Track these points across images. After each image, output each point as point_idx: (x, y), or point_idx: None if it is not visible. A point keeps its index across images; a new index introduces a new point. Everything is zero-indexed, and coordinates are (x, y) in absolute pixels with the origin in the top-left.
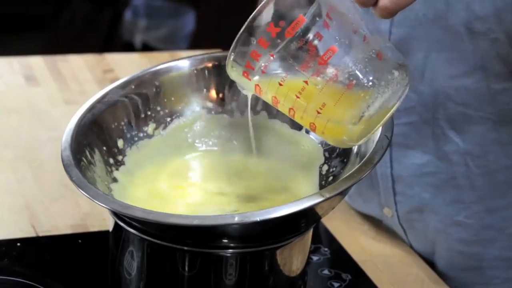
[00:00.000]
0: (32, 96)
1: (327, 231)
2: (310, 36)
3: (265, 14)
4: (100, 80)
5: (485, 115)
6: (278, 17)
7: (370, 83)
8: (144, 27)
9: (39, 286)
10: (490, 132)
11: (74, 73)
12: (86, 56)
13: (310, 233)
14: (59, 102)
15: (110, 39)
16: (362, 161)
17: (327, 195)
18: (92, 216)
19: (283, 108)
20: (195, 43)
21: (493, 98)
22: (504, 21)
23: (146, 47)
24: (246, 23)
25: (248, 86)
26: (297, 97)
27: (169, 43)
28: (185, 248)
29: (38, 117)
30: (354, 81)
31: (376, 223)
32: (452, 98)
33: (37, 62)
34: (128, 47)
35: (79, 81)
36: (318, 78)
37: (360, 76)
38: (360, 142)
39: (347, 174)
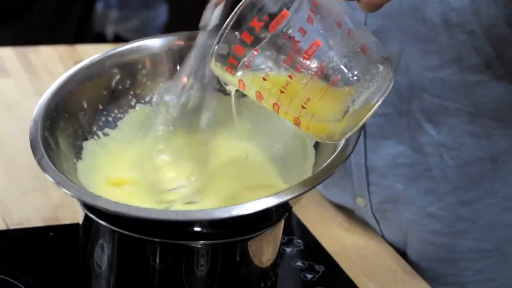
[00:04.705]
0: (3, 88)
1: (300, 223)
2: (294, 30)
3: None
4: None
5: (460, 107)
6: (262, 11)
7: (355, 78)
8: (116, 18)
9: (10, 279)
10: (465, 124)
11: (46, 65)
12: (58, 47)
13: (281, 224)
14: (30, 93)
15: (82, 30)
16: (334, 154)
17: (298, 192)
18: (64, 209)
19: (267, 103)
20: None
21: (468, 90)
22: (480, 13)
23: (118, 39)
24: (229, 18)
25: (231, 81)
26: (282, 92)
27: (141, 35)
28: (156, 240)
29: (9, 109)
30: (339, 76)
31: (350, 215)
32: (428, 89)
33: (7, 54)
34: (100, 39)
35: (50, 72)
36: (303, 73)
37: (345, 70)
38: (344, 138)
39: (320, 168)
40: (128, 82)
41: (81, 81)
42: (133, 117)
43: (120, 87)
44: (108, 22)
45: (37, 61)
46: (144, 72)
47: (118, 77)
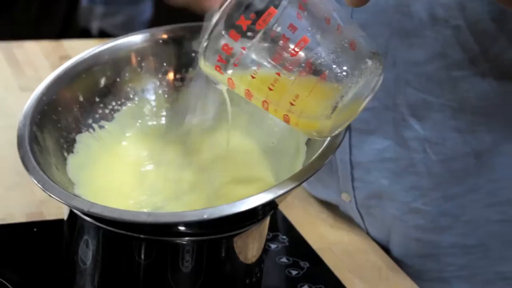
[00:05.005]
0: None
1: (285, 219)
2: (284, 27)
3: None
4: (57, 66)
5: (445, 102)
6: (249, 9)
7: (344, 73)
8: (101, 13)
9: None
10: (449, 119)
11: (30, 60)
12: (42, 42)
13: (267, 220)
14: (14, 89)
15: (67, 26)
16: (320, 149)
17: (285, 189)
18: (48, 204)
19: (256, 101)
20: None
21: (453, 86)
22: (466, 8)
23: (103, 34)
24: (216, 17)
25: (221, 80)
26: (270, 89)
27: (127, 30)
28: (141, 236)
29: None
30: (327, 72)
31: (335, 211)
32: (413, 84)
33: None
34: (85, 34)
35: (35, 67)
36: (291, 70)
37: (333, 66)
38: (333, 134)
39: (305, 165)
40: (127, 74)
41: (76, 75)
42: (131, 110)
43: (118, 80)
44: (93, 17)
45: (21, 56)
46: (143, 64)
47: (115, 70)
